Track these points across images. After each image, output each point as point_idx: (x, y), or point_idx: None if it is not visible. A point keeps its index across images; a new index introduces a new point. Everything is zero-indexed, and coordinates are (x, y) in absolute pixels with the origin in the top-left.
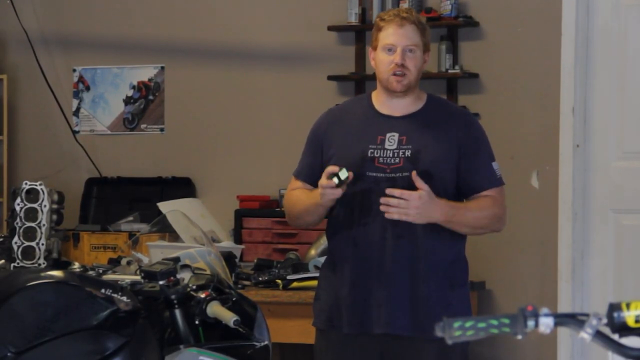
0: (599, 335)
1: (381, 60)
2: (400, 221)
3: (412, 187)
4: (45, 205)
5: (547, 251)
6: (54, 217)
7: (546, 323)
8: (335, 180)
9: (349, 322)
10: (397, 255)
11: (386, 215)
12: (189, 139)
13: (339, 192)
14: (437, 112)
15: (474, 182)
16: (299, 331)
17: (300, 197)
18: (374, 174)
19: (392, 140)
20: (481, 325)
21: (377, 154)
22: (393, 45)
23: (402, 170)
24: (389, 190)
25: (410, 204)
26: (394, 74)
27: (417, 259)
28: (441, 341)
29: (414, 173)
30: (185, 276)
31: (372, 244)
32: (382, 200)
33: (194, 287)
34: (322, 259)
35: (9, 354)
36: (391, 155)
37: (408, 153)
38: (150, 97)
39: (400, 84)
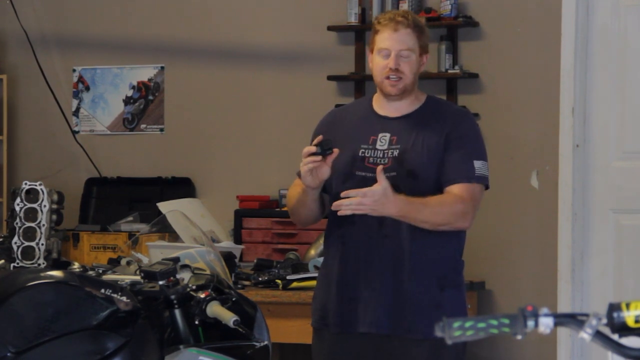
0: (598, 335)
1: (377, 64)
2: (387, 221)
3: (397, 186)
4: (45, 206)
5: (546, 251)
6: (54, 217)
7: (546, 323)
8: (317, 149)
9: (336, 321)
10: (381, 254)
11: (339, 213)
12: (188, 139)
13: (318, 160)
14: (433, 112)
15: (446, 174)
16: (299, 331)
17: (295, 190)
18: (363, 174)
19: (383, 140)
20: (481, 325)
21: (367, 153)
22: (387, 50)
23: (390, 170)
24: (343, 193)
25: (364, 201)
26: (388, 78)
27: (402, 259)
28: (431, 341)
29: (378, 168)
30: (185, 276)
31: (359, 243)
32: (335, 204)
33: (194, 287)
34: (322, 259)
35: (8, 354)
36: (381, 155)
37: (396, 153)
38: (150, 97)
39: (395, 87)
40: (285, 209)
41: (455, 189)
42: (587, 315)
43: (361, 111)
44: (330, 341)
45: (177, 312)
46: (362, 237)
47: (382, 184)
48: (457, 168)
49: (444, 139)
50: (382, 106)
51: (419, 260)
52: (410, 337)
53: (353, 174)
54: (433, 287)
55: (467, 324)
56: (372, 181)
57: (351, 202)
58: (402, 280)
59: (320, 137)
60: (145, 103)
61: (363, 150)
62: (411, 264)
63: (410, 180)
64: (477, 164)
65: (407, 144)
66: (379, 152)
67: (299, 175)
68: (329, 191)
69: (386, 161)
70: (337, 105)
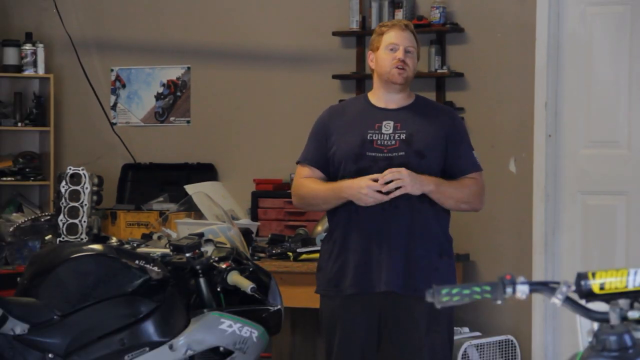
0: (568, 300)
1: (384, 58)
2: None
3: (406, 165)
4: (86, 188)
5: (523, 228)
6: (95, 197)
7: (522, 290)
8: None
9: (353, 283)
10: (394, 224)
11: (391, 196)
12: (211, 130)
13: (385, 198)
14: (425, 106)
15: (460, 166)
16: (307, 297)
17: (318, 190)
18: (373, 154)
19: (388, 126)
20: (466, 292)
21: (375, 137)
22: (396, 45)
23: (398, 150)
24: (378, 175)
25: (402, 175)
26: (397, 68)
27: (412, 228)
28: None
29: (388, 170)
30: (208, 249)
31: (373, 215)
32: (383, 187)
33: (216, 258)
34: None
35: (55, 317)
36: (388, 138)
37: (403, 136)
38: (178, 94)
39: (401, 76)
40: None
41: (470, 176)
42: (558, 283)
43: (360, 105)
44: (342, 304)
45: (202, 281)
46: (376, 210)
47: (399, 168)
48: (466, 161)
49: (444, 131)
50: (379, 99)
51: (425, 231)
52: (415, 296)
53: (364, 154)
54: (434, 255)
55: (454, 291)
56: (382, 160)
57: (395, 182)
58: (412, 247)
59: (377, 175)
60: (174, 99)
61: (370, 134)
62: (420, 233)
63: (418, 159)
64: (474, 154)
65: (412, 129)
66: (385, 135)
67: (301, 162)
68: (337, 170)
69: (393, 142)
70: (340, 101)
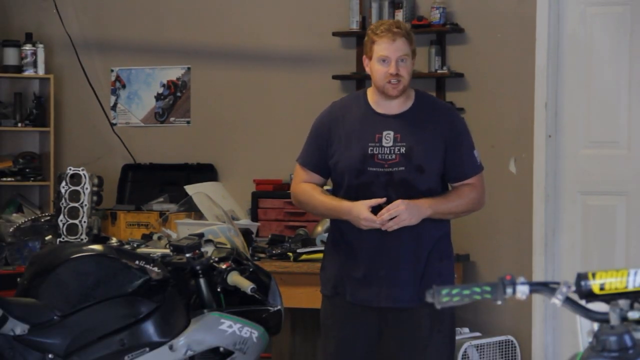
0: (568, 300)
1: (377, 70)
2: None
3: (407, 179)
4: (86, 188)
5: (523, 228)
6: (95, 198)
7: (522, 290)
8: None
9: (353, 294)
10: (396, 237)
11: (389, 230)
12: (212, 131)
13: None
14: (425, 109)
15: (459, 172)
16: (308, 297)
17: (317, 202)
18: (374, 169)
19: (388, 138)
20: (466, 292)
21: (376, 151)
22: (387, 57)
23: (398, 165)
24: (376, 201)
25: (400, 212)
26: (390, 82)
27: (420, 239)
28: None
29: (385, 209)
30: (208, 250)
31: (375, 229)
32: (382, 226)
33: (216, 259)
34: (327, 235)
35: (55, 317)
36: (388, 152)
37: (403, 150)
38: (178, 94)
39: (396, 89)
40: None
41: (469, 182)
42: (558, 283)
43: (360, 109)
44: (343, 307)
45: (202, 281)
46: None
47: (397, 201)
48: (466, 166)
49: (442, 137)
50: (379, 104)
51: (428, 237)
52: (419, 304)
53: (365, 169)
54: (437, 259)
55: (454, 291)
56: (383, 176)
57: (393, 218)
58: (415, 259)
59: (372, 202)
60: (174, 99)
61: (371, 147)
62: (427, 243)
63: (418, 174)
64: (475, 153)
65: (412, 141)
66: (385, 149)
67: (301, 164)
68: (340, 180)
69: (394, 157)
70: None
